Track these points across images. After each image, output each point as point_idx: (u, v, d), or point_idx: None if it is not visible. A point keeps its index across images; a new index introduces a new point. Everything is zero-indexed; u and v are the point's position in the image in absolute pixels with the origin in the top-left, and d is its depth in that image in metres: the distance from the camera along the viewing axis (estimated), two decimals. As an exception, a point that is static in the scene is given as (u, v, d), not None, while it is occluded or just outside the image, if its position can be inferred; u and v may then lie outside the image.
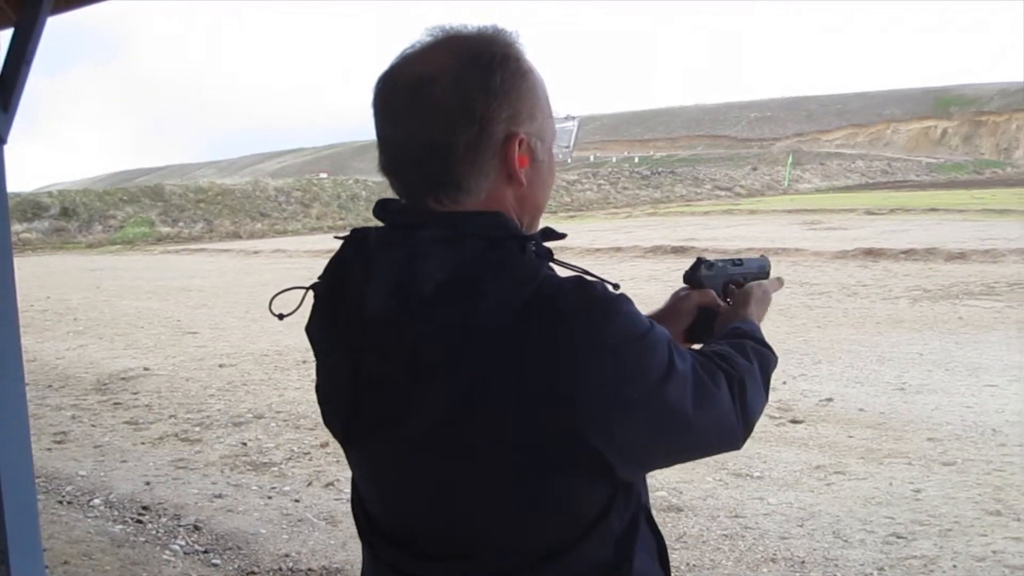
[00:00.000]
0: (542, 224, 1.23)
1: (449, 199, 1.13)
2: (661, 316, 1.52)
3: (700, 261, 1.54)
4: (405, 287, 1.09)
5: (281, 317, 1.25)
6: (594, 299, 1.07)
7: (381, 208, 1.19)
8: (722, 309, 1.52)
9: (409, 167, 1.15)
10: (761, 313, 1.52)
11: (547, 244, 1.16)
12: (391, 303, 1.10)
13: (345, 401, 1.17)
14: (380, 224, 1.19)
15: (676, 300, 1.55)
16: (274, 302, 1.26)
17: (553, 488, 1.09)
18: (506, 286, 1.06)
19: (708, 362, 1.21)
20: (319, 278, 1.21)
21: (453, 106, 1.10)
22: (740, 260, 1.59)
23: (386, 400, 1.12)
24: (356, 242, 1.19)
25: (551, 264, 1.14)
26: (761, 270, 1.62)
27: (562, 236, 1.20)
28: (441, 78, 1.11)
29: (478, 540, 1.14)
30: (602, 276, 1.12)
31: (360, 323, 1.13)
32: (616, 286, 1.12)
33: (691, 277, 1.54)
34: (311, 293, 1.22)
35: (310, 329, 1.23)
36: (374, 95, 1.17)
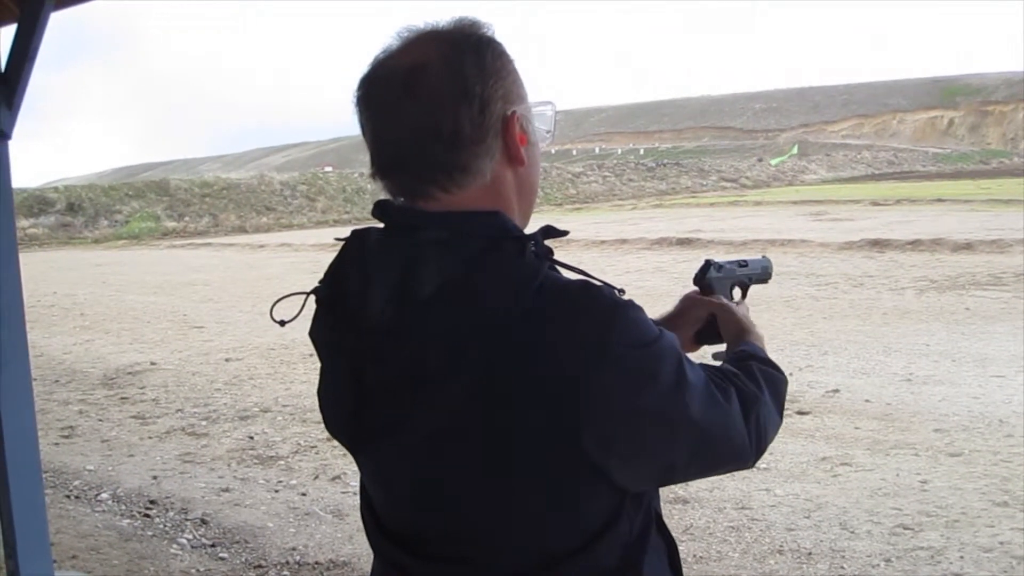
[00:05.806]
0: (544, 221, 1.20)
1: (455, 185, 1.10)
2: (671, 319, 1.51)
3: (709, 263, 1.54)
4: (404, 291, 1.07)
5: (283, 323, 1.21)
6: (600, 303, 1.05)
7: (380, 209, 1.16)
8: (724, 318, 1.50)
9: (410, 160, 1.11)
10: (747, 326, 1.47)
11: (548, 243, 1.13)
12: (390, 308, 1.07)
13: (349, 407, 1.15)
14: (379, 224, 1.16)
15: (687, 304, 1.55)
16: (275, 308, 1.22)
17: (556, 494, 1.07)
18: (506, 289, 1.04)
19: (719, 377, 1.18)
20: (320, 282, 1.18)
21: (451, 88, 1.08)
22: (745, 261, 1.59)
23: (389, 406, 1.10)
24: (355, 244, 1.16)
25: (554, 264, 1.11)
26: (764, 271, 1.63)
27: (564, 233, 1.17)
28: (433, 64, 1.09)
29: (482, 543, 1.12)
30: (607, 280, 1.09)
31: (360, 328, 1.11)
32: (621, 291, 1.09)
33: (700, 279, 1.54)
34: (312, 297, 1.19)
35: (313, 334, 1.21)
36: (358, 96, 1.14)
